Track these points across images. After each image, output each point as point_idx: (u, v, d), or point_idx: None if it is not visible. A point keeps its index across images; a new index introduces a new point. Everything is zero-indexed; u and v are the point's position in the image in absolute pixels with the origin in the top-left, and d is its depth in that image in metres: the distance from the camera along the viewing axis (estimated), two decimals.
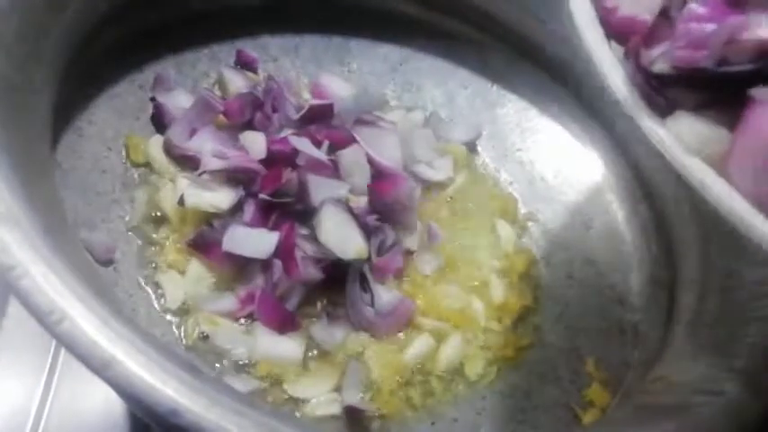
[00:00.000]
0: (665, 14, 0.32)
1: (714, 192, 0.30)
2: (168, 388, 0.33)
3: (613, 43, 0.35)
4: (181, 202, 0.52)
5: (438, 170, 0.61)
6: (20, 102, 0.44)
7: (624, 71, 0.34)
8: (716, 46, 0.30)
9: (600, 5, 0.36)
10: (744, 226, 0.30)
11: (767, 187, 0.29)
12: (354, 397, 0.50)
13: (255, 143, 0.55)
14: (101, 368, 0.33)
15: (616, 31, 0.35)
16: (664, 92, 0.32)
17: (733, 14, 0.30)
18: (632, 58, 0.33)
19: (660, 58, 0.32)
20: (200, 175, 0.54)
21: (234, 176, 0.54)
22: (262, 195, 0.53)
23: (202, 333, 0.50)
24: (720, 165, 0.31)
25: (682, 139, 0.32)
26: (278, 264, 0.51)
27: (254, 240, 0.51)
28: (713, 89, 0.31)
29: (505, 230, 0.61)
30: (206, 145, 0.55)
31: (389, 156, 0.57)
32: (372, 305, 0.52)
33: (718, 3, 0.31)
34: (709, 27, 0.30)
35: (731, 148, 0.30)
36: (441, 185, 0.61)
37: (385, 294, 0.52)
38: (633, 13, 0.34)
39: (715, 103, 0.31)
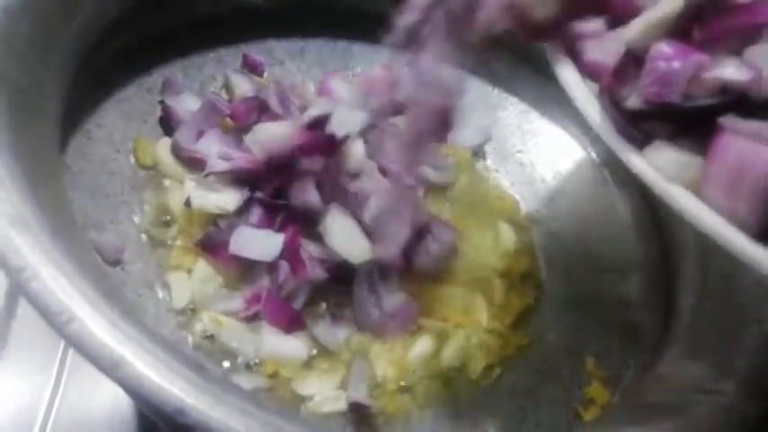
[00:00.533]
0: (630, 55, 0.35)
1: (693, 213, 0.33)
2: (175, 387, 0.34)
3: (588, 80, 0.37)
4: (187, 203, 0.53)
5: (441, 172, 0.62)
6: (29, 105, 0.45)
7: (600, 107, 0.36)
8: (681, 83, 0.32)
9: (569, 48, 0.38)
10: (722, 241, 0.32)
11: (739, 203, 0.32)
12: (360, 393, 0.50)
13: (258, 142, 0.55)
14: (110, 368, 0.34)
15: (586, 71, 0.37)
16: (638, 125, 0.35)
17: (696, 54, 0.33)
18: (606, 96, 0.36)
19: (632, 95, 0.34)
20: (205, 176, 0.54)
21: (239, 178, 0.55)
22: (259, 194, 0.53)
23: (209, 332, 0.51)
24: (696, 188, 0.33)
25: (660, 168, 0.34)
26: (284, 265, 0.51)
27: (259, 243, 0.52)
28: (684, 120, 0.33)
29: (507, 232, 0.61)
30: (212, 147, 0.56)
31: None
32: (378, 306, 0.53)
33: (682, 44, 0.33)
34: (676, 65, 0.32)
35: (704, 173, 0.33)
36: (443, 187, 0.62)
37: (391, 296, 0.53)
38: (596, 58, 0.36)
39: (687, 133, 0.34)
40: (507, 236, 0.61)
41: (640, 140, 0.35)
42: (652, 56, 0.33)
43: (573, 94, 0.37)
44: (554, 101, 0.67)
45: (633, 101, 0.34)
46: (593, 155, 0.66)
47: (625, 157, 0.35)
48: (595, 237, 0.63)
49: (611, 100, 0.35)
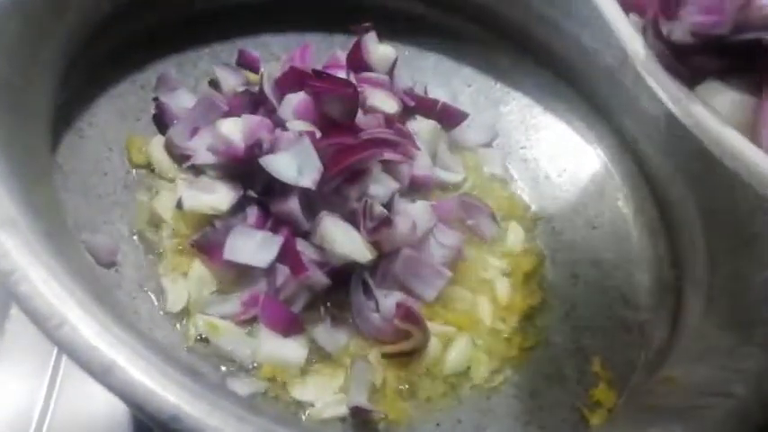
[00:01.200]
0: None
1: (745, 158, 0.30)
2: (169, 393, 0.33)
3: (633, 16, 0.35)
4: (179, 204, 0.52)
5: (451, 172, 0.62)
6: (20, 103, 0.44)
7: (645, 42, 0.33)
8: (730, 11, 0.29)
9: None
10: None
11: None
12: (360, 397, 0.49)
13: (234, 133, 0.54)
14: (101, 374, 0.33)
15: (632, 3, 0.35)
16: (686, 61, 0.32)
17: None
18: (651, 30, 0.33)
19: (677, 27, 0.31)
20: (188, 167, 0.54)
21: (233, 174, 0.54)
22: (251, 193, 0.53)
23: (205, 336, 0.50)
24: (746, 131, 0.30)
25: (713, 108, 0.31)
26: (281, 268, 0.51)
27: (255, 247, 0.51)
28: (737, 56, 0.31)
29: (516, 231, 0.61)
30: (205, 144, 0.55)
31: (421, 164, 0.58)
32: (377, 311, 0.52)
33: None
34: None
35: (760, 114, 0.30)
36: (453, 187, 0.62)
37: (388, 299, 0.52)
38: None
39: (741, 70, 0.31)
40: (516, 235, 0.60)
41: (688, 79, 0.32)
42: None
43: (616, 27, 0.34)
44: (558, 96, 0.67)
45: (679, 34, 0.31)
46: (599, 150, 0.65)
47: (674, 96, 0.32)
48: (601, 235, 0.62)
49: (656, 34, 0.32)
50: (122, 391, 0.33)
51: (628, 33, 0.34)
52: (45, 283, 0.35)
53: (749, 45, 0.30)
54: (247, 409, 0.35)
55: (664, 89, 0.33)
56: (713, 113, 0.31)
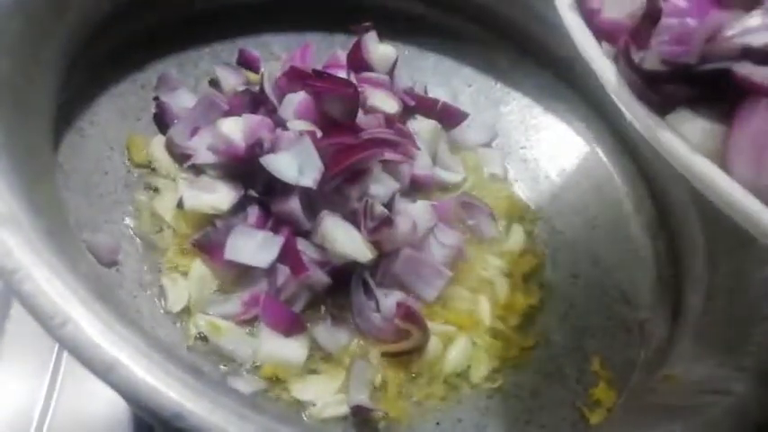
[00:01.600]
0: (651, 12, 0.32)
1: (715, 185, 0.30)
2: (172, 391, 0.33)
3: (605, 44, 0.35)
4: (180, 204, 0.52)
5: (452, 172, 0.62)
6: (22, 102, 0.44)
7: (617, 70, 0.34)
8: (697, 42, 0.30)
9: (585, 8, 0.36)
10: (746, 218, 0.30)
11: (765, 175, 0.29)
12: (361, 396, 0.49)
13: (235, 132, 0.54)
14: (104, 372, 0.33)
15: (603, 32, 0.35)
16: (657, 89, 0.32)
17: (714, 10, 0.30)
18: (623, 58, 0.33)
19: (648, 56, 0.32)
20: (188, 167, 0.54)
21: (233, 174, 0.54)
22: (252, 192, 0.53)
23: (206, 335, 0.50)
24: (716, 160, 0.30)
25: (683, 136, 0.31)
26: (282, 268, 0.51)
27: (256, 248, 0.51)
28: (705, 84, 0.31)
29: (516, 231, 0.61)
30: (205, 143, 0.55)
31: (421, 164, 0.58)
32: (377, 310, 0.52)
33: None
34: (691, 22, 0.30)
35: (729, 142, 0.30)
36: (453, 187, 0.62)
37: (388, 298, 0.52)
38: (615, 17, 0.34)
39: (709, 99, 0.31)
40: (517, 236, 0.60)
41: (659, 107, 0.32)
42: (666, 11, 0.30)
43: (587, 55, 0.35)
44: (558, 96, 0.67)
45: (650, 62, 0.31)
46: (598, 150, 0.65)
47: (644, 124, 0.32)
48: (601, 234, 0.62)
49: (628, 62, 0.33)
50: (125, 389, 0.33)
51: (600, 61, 0.35)
52: (48, 281, 0.35)
53: (718, 75, 0.30)
54: (249, 408, 0.35)
55: (635, 117, 0.33)
56: (683, 141, 0.31)
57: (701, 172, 0.30)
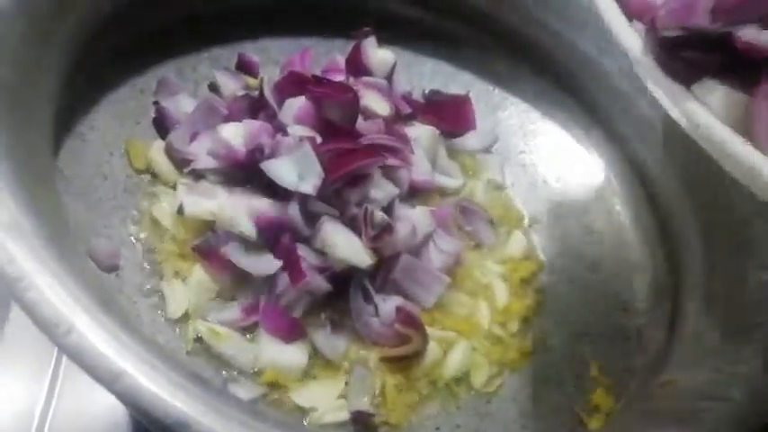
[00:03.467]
0: None
1: (737, 154, 0.30)
2: (177, 400, 0.33)
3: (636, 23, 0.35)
4: (180, 210, 0.52)
5: (450, 178, 0.62)
6: (23, 106, 0.44)
7: (641, 41, 0.34)
8: (702, 4, 0.30)
9: None
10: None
11: None
12: (361, 401, 0.50)
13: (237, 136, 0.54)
14: (110, 381, 0.33)
15: (634, 11, 0.35)
16: (680, 58, 0.32)
17: None
18: (649, 32, 0.33)
19: (664, 21, 0.32)
20: (188, 172, 0.54)
21: (234, 178, 0.54)
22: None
23: (206, 341, 0.50)
24: (741, 129, 0.30)
25: (708, 105, 0.31)
26: (282, 275, 0.50)
27: (258, 255, 0.51)
28: (726, 53, 0.31)
29: (514, 236, 0.61)
30: (205, 149, 0.55)
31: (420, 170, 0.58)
32: (377, 315, 0.52)
33: None
34: None
35: (752, 110, 0.30)
36: (452, 192, 0.62)
37: (388, 303, 0.52)
38: None
39: (734, 69, 0.31)
40: (515, 241, 0.60)
41: (685, 78, 0.32)
42: None
43: (617, 31, 0.34)
44: (556, 101, 0.67)
45: (669, 28, 0.31)
46: (596, 156, 0.66)
47: (669, 95, 0.32)
48: (599, 240, 0.62)
49: (653, 36, 0.33)
50: (130, 398, 0.33)
51: (629, 37, 0.34)
52: (52, 289, 0.35)
53: (727, 35, 0.30)
54: (251, 415, 0.35)
55: (661, 88, 0.33)
56: (708, 111, 0.31)
57: (722, 140, 0.30)
